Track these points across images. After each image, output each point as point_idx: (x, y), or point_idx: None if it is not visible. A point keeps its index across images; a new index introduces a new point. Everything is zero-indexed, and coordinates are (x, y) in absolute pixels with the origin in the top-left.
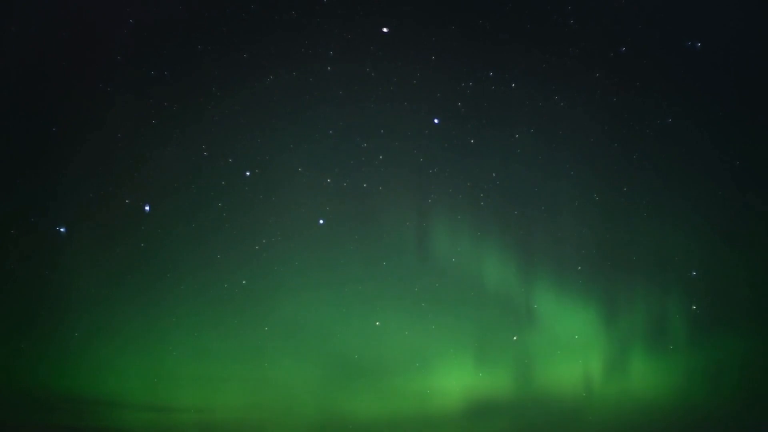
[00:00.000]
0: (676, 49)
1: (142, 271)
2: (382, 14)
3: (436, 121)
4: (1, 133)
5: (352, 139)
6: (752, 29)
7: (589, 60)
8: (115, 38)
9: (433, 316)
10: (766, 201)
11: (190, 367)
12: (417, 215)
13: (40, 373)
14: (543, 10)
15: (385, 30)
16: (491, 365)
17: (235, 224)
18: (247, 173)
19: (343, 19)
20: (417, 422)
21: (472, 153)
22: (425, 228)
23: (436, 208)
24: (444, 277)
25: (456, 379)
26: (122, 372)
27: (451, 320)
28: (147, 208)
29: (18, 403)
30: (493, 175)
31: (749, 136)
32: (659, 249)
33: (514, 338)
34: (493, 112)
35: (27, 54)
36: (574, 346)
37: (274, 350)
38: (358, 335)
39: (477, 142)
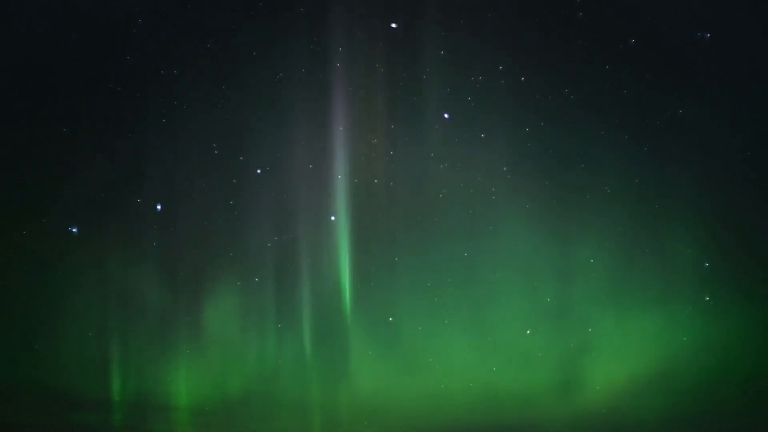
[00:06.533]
0: (685, 40)
1: (154, 271)
2: (390, 10)
3: (446, 116)
4: (11, 134)
5: (362, 136)
6: (762, 19)
7: (598, 52)
8: (124, 38)
9: (446, 311)
10: None
11: (203, 366)
12: (428, 211)
13: (53, 373)
14: (551, 3)
15: (393, 26)
16: (504, 360)
17: (246, 222)
18: (258, 171)
19: (352, 15)
20: None
21: (482, 147)
22: (437, 223)
23: (447, 203)
24: (456, 272)
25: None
26: (134, 372)
27: (463, 315)
28: (158, 207)
29: (30, 403)
30: (504, 169)
31: (761, 126)
32: (671, 241)
33: (527, 332)
34: (503, 106)
35: (35, 55)
36: (587, 339)
37: (286, 348)
38: (369, 332)
39: (487, 137)
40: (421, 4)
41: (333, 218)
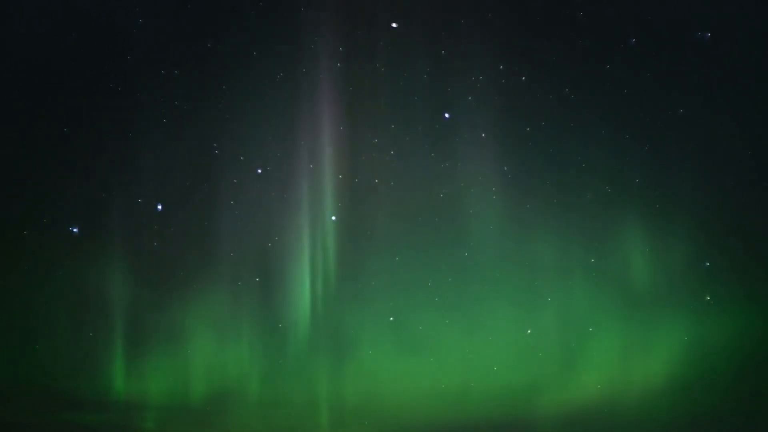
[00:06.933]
0: (686, 40)
1: (155, 271)
2: (391, 10)
3: (446, 115)
4: (12, 135)
5: (363, 135)
6: (762, 18)
7: (598, 52)
8: (125, 38)
9: (446, 310)
10: None
11: (206, 365)
12: (429, 210)
13: (54, 373)
14: (551, 3)
15: (394, 25)
16: (504, 360)
17: (247, 222)
18: (259, 171)
19: (353, 15)
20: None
21: (483, 147)
22: (438, 223)
23: (448, 202)
24: (456, 271)
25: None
26: (137, 371)
27: (464, 315)
28: (159, 207)
29: (30, 403)
30: (505, 168)
31: (762, 126)
32: (672, 240)
33: (528, 332)
34: (504, 105)
35: (36, 55)
36: (588, 338)
37: (287, 347)
38: (372, 331)
39: (488, 136)
40: (422, 4)
41: (334, 218)
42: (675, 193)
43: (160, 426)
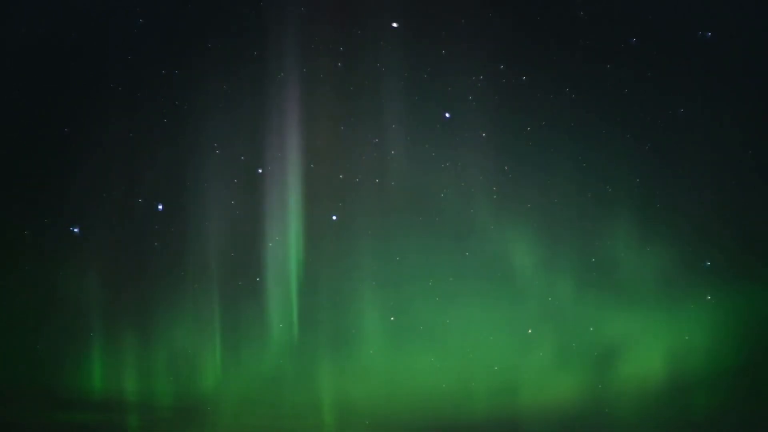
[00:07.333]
0: (687, 39)
1: (156, 271)
2: (391, 9)
3: (447, 115)
4: (13, 135)
5: (363, 135)
6: (764, 18)
7: (599, 52)
8: (125, 38)
9: (446, 310)
10: None
11: (206, 365)
12: (429, 210)
13: (55, 373)
14: (552, 2)
15: (394, 25)
16: (505, 359)
17: (248, 222)
18: (260, 170)
19: (353, 15)
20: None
21: (483, 147)
22: (438, 223)
23: (449, 202)
24: (457, 272)
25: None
26: (137, 372)
27: (465, 314)
28: (160, 207)
29: (33, 403)
30: (506, 168)
31: (763, 126)
32: (672, 240)
33: (529, 331)
34: (505, 105)
35: (36, 55)
36: (589, 339)
37: (289, 347)
38: (372, 331)
39: (488, 136)
40: (422, 3)
41: (335, 218)
42: (676, 192)
43: (159, 426)
